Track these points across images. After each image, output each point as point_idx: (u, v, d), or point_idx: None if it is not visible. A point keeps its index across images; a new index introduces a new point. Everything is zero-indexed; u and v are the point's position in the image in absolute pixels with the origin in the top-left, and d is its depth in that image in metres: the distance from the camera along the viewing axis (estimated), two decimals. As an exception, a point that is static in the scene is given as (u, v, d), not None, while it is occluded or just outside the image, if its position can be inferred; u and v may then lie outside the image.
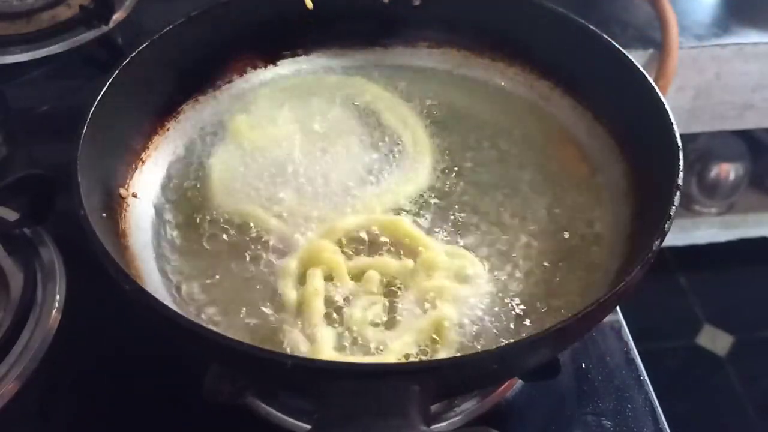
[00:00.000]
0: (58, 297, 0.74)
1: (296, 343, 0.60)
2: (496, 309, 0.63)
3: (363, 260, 0.66)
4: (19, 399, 0.66)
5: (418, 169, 0.76)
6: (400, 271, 0.65)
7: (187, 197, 0.74)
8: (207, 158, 0.77)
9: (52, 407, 0.72)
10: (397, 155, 0.78)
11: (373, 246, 0.68)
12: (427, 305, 0.62)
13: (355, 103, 0.83)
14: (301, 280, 0.65)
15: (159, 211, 0.73)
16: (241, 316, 0.64)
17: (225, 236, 0.71)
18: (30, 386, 0.67)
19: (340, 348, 0.60)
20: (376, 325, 0.62)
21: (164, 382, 0.72)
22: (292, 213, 0.71)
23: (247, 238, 0.70)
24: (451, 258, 0.65)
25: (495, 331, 0.61)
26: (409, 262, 0.65)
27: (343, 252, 0.67)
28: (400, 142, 0.79)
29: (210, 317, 0.64)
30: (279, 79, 0.86)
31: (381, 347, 0.60)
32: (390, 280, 0.65)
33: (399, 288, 0.65)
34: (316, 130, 0.80)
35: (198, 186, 0.75)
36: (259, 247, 0.69)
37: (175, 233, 0.71)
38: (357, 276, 0.65)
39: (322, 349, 0.59)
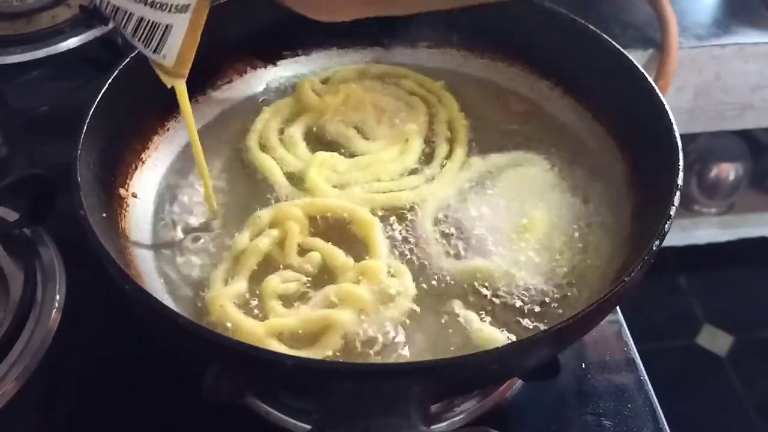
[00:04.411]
0: (58, 297, 0.74)
1: (213, 282, 0.65)
2: (382, 338, 0.61)
3: (317, 241, 0.67)
4: (19, 399, 0.66)
5: (434, 181, 0.75)
6: (340, 265, 0.66)
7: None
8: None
9: (52, 407, 0.72)
10: (429, 160, 0.77)
11: (337, 232, 0.69)
12: (335, 303, 0.62)
13: (413, 100, 0.83)
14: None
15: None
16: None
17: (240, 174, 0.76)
18: (30, 386, 0.67)
19: (241, 303, 0.63)
20: (282, 299, 0.64)
21: (164, 382, 0.72)
22: (304, 177, 0.73)
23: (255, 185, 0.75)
24: (388, 274, 0.65)
25: (364, 351, 0.60)
26: (351, 261, 0.66)
27: (312, 226, 0.69)
28: (437, 149, 0.78)
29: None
30: (346, 62, 0.89)
31: (265, 317, 0.62)
32: (328, 268, 0.66)
33: (329, 278, 0.66)
34: (368, 112, 0.81)
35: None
36: (266, 195, 0.73)
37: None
38: (304, 252, 0.67)
39: (222, 295, 0.62)
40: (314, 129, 0.81)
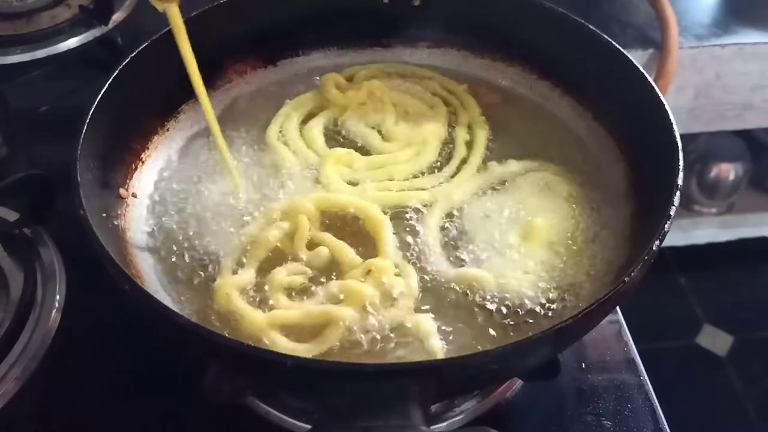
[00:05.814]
0: (58, 297, 0.74)
1: (222, 270, 0.66)
2: (383, 336, 0.61)
3: (327, 237, 0.68)
4: (19, 399, 0.66)
5: (448, 184, 0.75)
6: (347, 261, 0.66)
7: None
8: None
9: (52, 407, 0.72)
10: (445, 162, 0.77)
11: (349, 227, 0.69)
12: (340, 299, 0.63)
13: (435, 102, 0.83)
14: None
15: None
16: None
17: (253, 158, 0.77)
18: (30, 386, 0.67)
19: (244, 291, 0.64)
20: (287, 291, 0.64)
21: (164, 382, 0.72)
22: (320, 172, 0.74)
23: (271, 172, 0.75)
24: (394, 274, 0.65)
25: (364, 349, 0.61)
26: (359, 259, 0.66)
27: (325, 220, 0.69)
28: (455, 153, 0.78)
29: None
30: (372, 60, 0.89)
31: (269, 308, 0.62)
32: (336, 263, 0.66)
33: (336, 273, 0.66)
34: (389, 112, 0.82)
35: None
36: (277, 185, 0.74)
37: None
38: (313, 246, 0.67)
39: (228, 284, 0.63)
40: (334, 125, 0.81)
